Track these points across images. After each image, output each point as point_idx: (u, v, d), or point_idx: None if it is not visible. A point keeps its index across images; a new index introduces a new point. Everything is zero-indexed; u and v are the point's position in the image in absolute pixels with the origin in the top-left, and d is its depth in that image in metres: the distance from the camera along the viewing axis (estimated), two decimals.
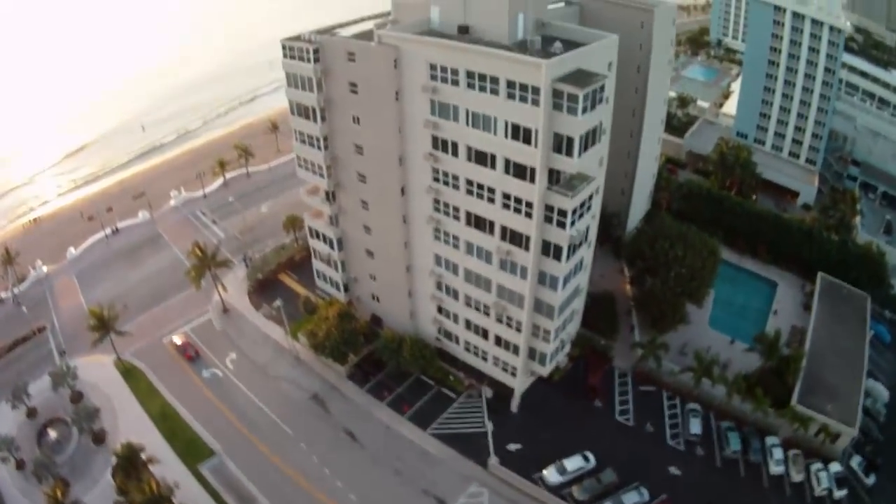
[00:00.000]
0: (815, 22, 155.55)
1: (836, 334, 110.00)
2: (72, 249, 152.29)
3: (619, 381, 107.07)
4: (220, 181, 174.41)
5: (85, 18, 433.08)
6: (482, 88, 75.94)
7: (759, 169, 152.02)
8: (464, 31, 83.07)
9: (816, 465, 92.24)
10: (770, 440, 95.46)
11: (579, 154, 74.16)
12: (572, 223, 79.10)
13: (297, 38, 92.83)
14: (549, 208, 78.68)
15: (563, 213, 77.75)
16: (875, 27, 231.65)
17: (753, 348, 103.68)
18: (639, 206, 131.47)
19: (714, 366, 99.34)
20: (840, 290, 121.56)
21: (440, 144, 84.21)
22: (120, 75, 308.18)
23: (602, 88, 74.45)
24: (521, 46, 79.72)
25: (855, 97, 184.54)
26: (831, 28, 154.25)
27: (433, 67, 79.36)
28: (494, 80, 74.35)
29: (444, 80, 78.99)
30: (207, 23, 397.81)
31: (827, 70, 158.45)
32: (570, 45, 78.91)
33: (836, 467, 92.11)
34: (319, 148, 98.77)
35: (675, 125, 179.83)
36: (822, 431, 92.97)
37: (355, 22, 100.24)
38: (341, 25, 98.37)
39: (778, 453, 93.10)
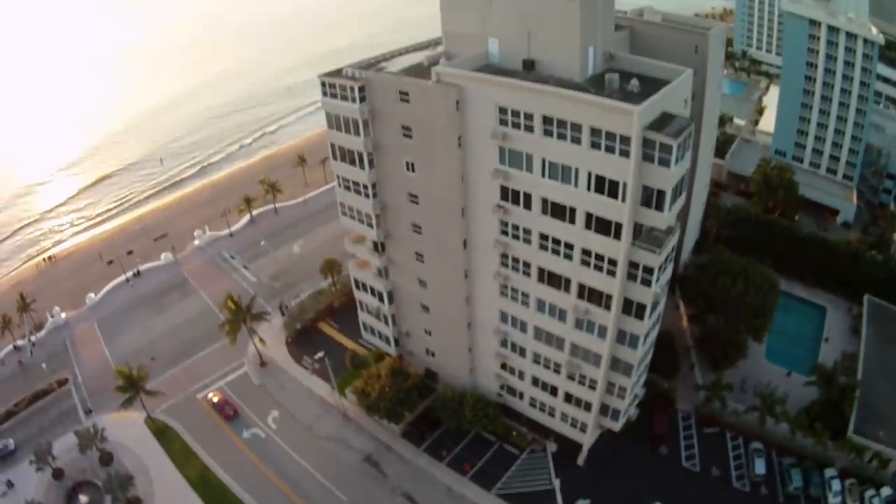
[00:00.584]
0: (849, 35, 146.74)
1: (886, 358, 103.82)
2: (91, 295, 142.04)
3: (683, 423, 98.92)
4: (246, 218, 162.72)
5: (98, 50, 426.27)
6: (561, 136, 65.49)
7: (799, 188, 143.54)
8: (529, 67, 72.82)
9: (870, 492, 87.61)
10: (828, 472, 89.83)
11: (670, 208, 64.64)
12: (657, 280, 69.41)
13: (338, 73, 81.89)
14: (633, 265, 68.85)
15: (648, 270, 68.16)
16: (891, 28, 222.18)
17: (812, 382, 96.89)
18: (691, 236, 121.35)
19: (776, 404, 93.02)
20: (887, 312, 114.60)
21: (510, 196, 73.62)
22: (135, 107, 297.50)
23: (690, 134, 64.47)
24: (596, 84, 69.74)
25: (880, 104, 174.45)
26: (865, 40, 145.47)
27: (503, 111, 68.66)
28: (576, 128, 63.93)
29: (517, 125, 68.37)
30: (221, 52, 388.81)
31: (862, 83, 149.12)
32: (644, 81, 69.28)
33: (886, 491, 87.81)
34: (367, 196, 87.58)
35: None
36: (875, 458, 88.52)
37: (401, 53, 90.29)
38: (385, 58, 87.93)
39: (836, 485, 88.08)
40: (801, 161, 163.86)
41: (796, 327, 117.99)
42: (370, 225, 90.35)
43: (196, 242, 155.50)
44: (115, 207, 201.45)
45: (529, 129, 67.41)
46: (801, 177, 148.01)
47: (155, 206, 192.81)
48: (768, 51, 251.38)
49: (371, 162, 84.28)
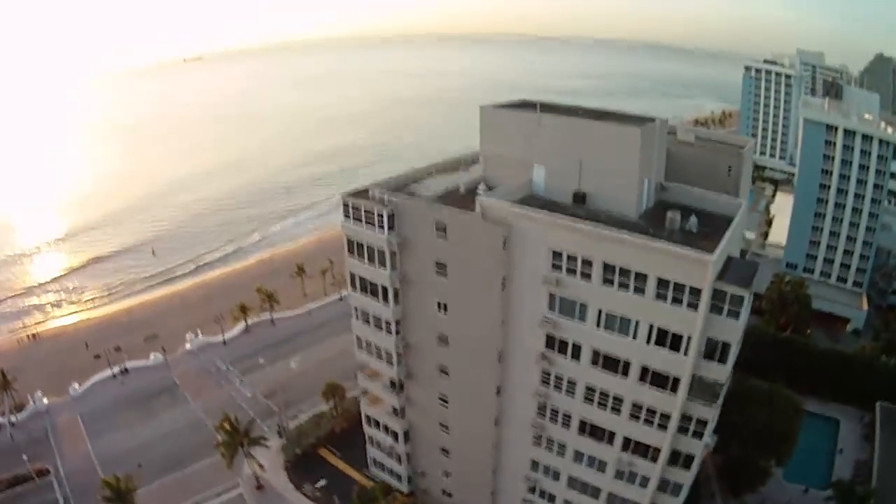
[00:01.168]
0: (864, 137, 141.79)
1: None
2: (76, 385, 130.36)
3: None
4: (241, 326, 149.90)
5: (104, 121, 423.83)
6: (623, 286, 55.53)
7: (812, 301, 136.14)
8: (579, 201, 63.13)
9: None
10: None
11: (733, 360, 56.01)
12: (710, 431, 60.68)
13: (363, 194, 71.45)
14: (685, 418, 59.11)
15: (702, 423, 58.97)
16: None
17: (831, 497, 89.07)
18: None
19: None
20: None
21: (557, 345, 62.69)
22: (132, 187, 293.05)
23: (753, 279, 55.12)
24: (653, 221, 61.05)
25: (891, 203, 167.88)
26: (881, 141, 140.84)
27: (557, 255, 58.30)
28: (641, 277, 54.27)
29: (572, 271, 57.94)
30: (226, 140, 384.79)
31: (876, 186, 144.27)
32: (699, 215, 61.68)
33: None
34: (389, 332, 75.68)
35: None
36: None
37: (430, 173, 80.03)
38: (415, 178, 77.35)
39: None
40: (812, 272, 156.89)
41: (811, 442, 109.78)
42: (390, 363, 78.24)
43: (188, 346, 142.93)
44: (104, 295, 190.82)
45: (587, 276, 57.19)
46: (812, 288, 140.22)
47: (145, 300, 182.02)
48: (772, 155, 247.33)
49: (396, 297, 72.69)
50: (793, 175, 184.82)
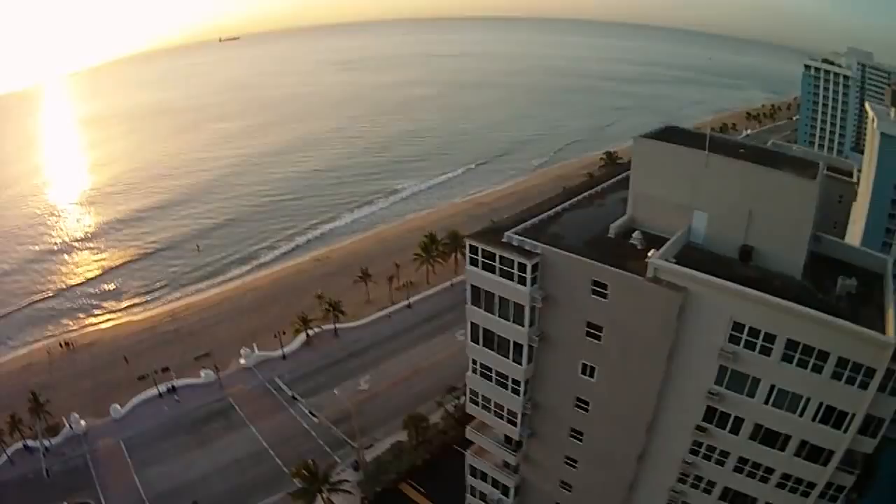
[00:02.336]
0: None
1: None
2: (117, 406, 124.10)
3: None
4: (301, 338, 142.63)
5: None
6: (803, 363, 50.59)
7: None
8: (746, 257, 57.64)
9: None
10: None
11: (882, 433, 51.77)
12: (844, 498, 56.82)
13: (492, 235, 63.47)
14: (828, 485, 55.28)
15: (840, 489, 55.40)
16: None
17: None
18: None
19: None
20: None
21: (717, 418, 57.65)
22: (172, 183, 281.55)
23: None
24: (818, 282, 56.32)
25: None
26: None
27: (738, 327, 52.91)
28: (822, 355, 49.55)
29: (751, 345, 52.64)
30: (281, 125, 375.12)
31: None
32: (850, 272, 57.45)
33: None
34: (516, 392, 69.01)
35: None
36: None
37: (562, 204, 71.88)
38: (548, 213, 69.03)
39: None
40: None
41: None
42: (512, 423, 71.73)
43: (242, 361, 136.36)
44: (145, 296, 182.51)
45: (766, 352, 52.10)
46: None
47: (190, 303, 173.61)
48: (829, 150, 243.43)
49: (531, 355, 66.29)
50: None
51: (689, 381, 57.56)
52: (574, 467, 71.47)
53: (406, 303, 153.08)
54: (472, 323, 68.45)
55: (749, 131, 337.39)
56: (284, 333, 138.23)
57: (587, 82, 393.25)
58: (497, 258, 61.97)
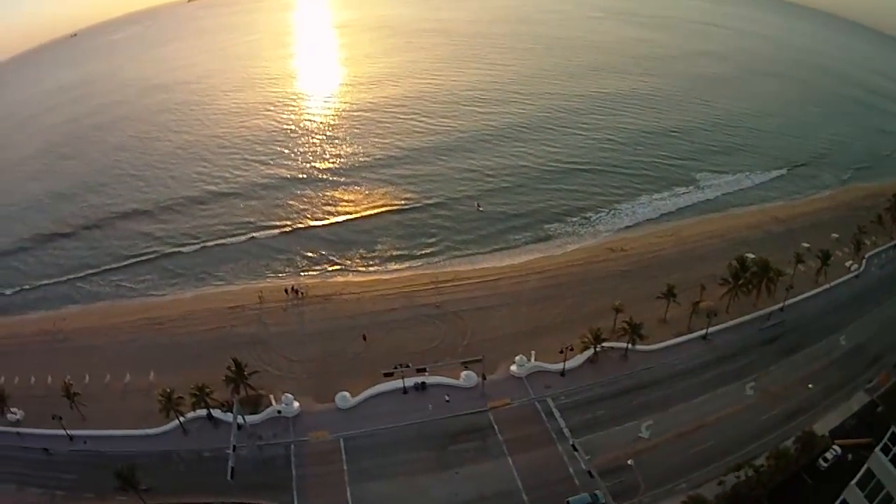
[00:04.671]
0: None
1: None
2: (346, 394, 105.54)
3: None
4: (587, 354, 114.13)
5: None
6: None
7: None
8: None
9: None
10: None
11: None
12: None
13: None
14: None
15: None
16: None
17: None
18: None
19: None
20: None
21: None
22: (450, 130, 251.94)
23: None
24: None
25: None
26: None
27: None
28: None
29: None
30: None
31: None
32: None
33: None
34: None
35: None
36: None
37: None
38: None
39: None
40: None
41: None
42: None
43: (514, 369, 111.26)
44: (405, 253, 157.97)
45: None
46: None
47: (457, 273, 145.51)
48: None
49: None
50: None
51: None
52: None
53: (703, 332, 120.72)
54: None
55: None
56: (571, 349, 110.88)
57: (856, 92, 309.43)
58: None
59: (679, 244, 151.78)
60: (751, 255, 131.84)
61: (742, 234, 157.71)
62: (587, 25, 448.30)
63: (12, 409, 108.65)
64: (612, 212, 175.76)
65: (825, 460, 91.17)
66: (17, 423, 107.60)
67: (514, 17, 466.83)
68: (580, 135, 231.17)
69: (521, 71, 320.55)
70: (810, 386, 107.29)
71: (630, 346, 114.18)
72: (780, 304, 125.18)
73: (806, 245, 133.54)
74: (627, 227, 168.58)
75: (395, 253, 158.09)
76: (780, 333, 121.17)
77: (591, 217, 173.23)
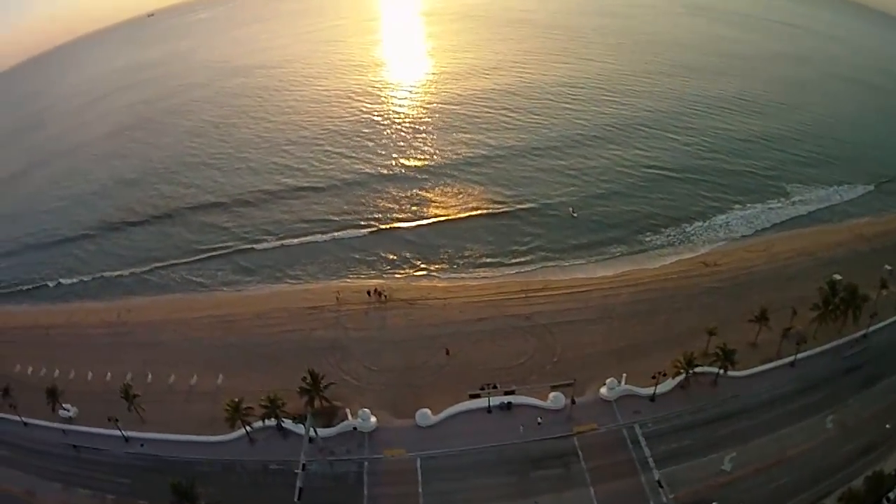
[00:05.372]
0: None
1: None
2: (427, 412, 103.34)
3: None
4: (678, 379, 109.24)
5: None
6: None
7: None
8: None
9: None
10: None
11: None
12: None
13: None
14: None
15: None
16: None
17: None
18: None
19: None
20: None
21: None
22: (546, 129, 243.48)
23: None
24: None
25: None
26: None
27: None
28: None
29: None
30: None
31: None
32: None
33: None
34: None
35: None
36: None
37: None
38: None
39: None
40: None
41: None
42: None
43: (603, 391, 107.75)
44: (496, 261, 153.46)
45: None
46: None
47: (546, 282, 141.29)
48: None
49: None
50: None
51: None
52: None
53: (791, 359, 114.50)
54: None
55: None
56: (664, 374, 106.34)
57: None
58: None
59: (770, 261, 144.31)
60: (838, 277, 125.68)
61: (831, 252, 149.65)
62: (675, 21, 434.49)
63: (65, 406, 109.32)
64: (708, 223, 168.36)
65: (888, 500, 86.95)
66: (69, 421, 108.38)
67: (603, 10, 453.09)
68: (671, 138, 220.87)
69: (610, 66, 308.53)
70: (888, 426, 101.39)
71: (721, 371, 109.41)
72: (864, 331, 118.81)
73: (888, 268, 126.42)
74: (722, 241, 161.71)
75: (484, 260, 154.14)
76: (862, 362, 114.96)
77: (685, 228, 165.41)
